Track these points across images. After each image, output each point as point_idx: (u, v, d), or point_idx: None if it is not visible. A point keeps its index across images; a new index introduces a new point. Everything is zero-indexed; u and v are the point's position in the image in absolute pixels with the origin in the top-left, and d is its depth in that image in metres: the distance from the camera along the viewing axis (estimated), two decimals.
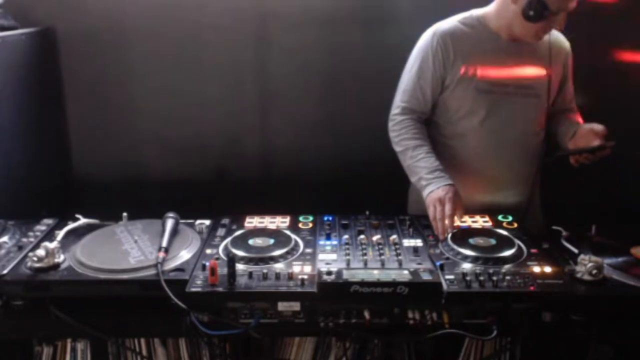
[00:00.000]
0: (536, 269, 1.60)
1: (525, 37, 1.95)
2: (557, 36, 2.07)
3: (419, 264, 1.62)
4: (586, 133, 1.95)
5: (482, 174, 2.08)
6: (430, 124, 2.11)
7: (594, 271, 1.55)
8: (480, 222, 1.93)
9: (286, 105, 2.74)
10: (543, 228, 2.03)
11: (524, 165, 2.11)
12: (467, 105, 2.02)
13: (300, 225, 1.89)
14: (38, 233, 1.81)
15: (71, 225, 1.84)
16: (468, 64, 1.98)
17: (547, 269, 1.60)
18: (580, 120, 2.11)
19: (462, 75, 1.98)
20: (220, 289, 1.50)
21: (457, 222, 1.85)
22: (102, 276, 1.57)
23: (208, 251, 1.70)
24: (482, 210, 2.00)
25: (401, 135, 2.03)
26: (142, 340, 1.70)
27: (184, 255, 1.68)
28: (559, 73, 2.08)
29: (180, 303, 1.48)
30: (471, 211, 1.96)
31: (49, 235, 1.80)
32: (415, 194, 2.08)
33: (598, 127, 1.93)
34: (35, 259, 1.58)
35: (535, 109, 2.05)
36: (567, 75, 2.13)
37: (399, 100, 2.07)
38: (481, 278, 1.54)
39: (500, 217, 1.95)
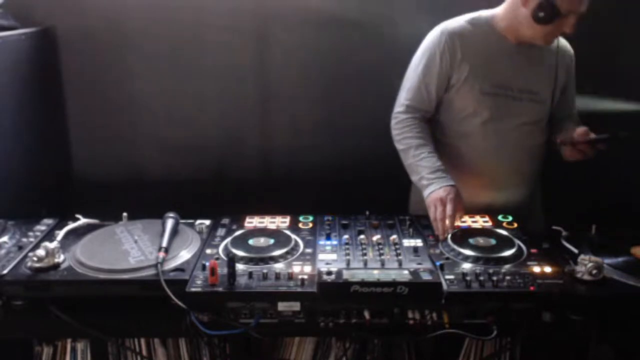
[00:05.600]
0: (536, 269, 1.60)
1: (534, 40, 1.93)
2: (562, 41, 2.05)
3: (419, 264, 1.62)
4: (583, 132, 1.94)
5: (485, 174, 2.07)
6: (433, 123, 2.10)
7: (594, 271, 1.54)
8: (480, 222, 1.93)
9: (286, 105, 2.74)
10: (545, 228, 2.02)
11: (526, 166, 2.11)
12: (470, 106, 2.01)
13: (300, 225, 1.89)
14: (38, 233, 1.81)
15: (71, 225, 1.84)
16: (474, 65, 1.97)
17: (547, 269, 1.60)
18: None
19: (467, 75, 1.97)
20: (220, 289, 1.50)
21: (457, 223, 1.84)
22: (102, 276, 1.57)
23: (208, 251, 1.70)
24: (484, 210, 2.00)
25: (404, 133, 2.02)
26: (142, 340, 1.70)
27: (184, 255, 1.67)
28: (563, 78, 2.06)
29: (180, 303, 1.48)
30: (473, 211, 1.96)
31: (49, 235, 1.80)
32: (417, 194, 2.07)
33: (593, 135, 1.93)
34: (35, 259, 1.58)
35: (538, 114, 2.04)
36: (569, 81, 2.11)
37: (404, 98, 2.05)
38: (481, 278, 1.54)
39: (500, 217, 1.95)
